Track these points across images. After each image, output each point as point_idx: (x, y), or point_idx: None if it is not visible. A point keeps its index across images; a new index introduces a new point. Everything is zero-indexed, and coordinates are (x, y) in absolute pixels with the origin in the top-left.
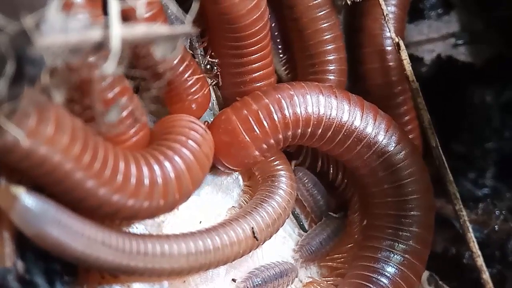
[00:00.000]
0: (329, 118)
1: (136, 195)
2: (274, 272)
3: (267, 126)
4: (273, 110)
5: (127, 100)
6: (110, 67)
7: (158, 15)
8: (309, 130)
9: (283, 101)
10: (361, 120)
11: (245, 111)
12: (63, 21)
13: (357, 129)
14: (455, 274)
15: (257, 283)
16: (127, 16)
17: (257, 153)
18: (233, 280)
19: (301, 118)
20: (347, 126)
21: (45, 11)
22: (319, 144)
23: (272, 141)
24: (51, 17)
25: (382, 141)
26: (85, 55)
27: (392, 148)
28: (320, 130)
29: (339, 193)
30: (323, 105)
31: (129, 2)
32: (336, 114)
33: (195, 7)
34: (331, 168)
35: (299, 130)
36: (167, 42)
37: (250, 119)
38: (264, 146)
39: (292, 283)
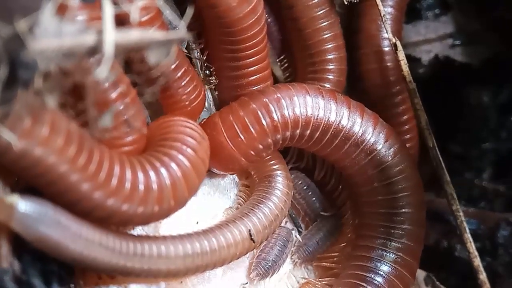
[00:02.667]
0: (317, 119)
1: (131, 200)
2: (279, 248)
3: (254, 132)
4: (260, 115)
5: (127, 103)
6: (103, 72)
7: (156, 18)
8: (298, 131)
9: (270, 105)
10: (348, 119)
11: (231, 118)
12: (57, 25)
13: (344, 128)
14: (446, 267)
15: (268, 266)
16: (124, 20)
17: (242, 159)
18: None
19: (289, 120)
20: (334, 126)
21: (39, 15)
22: (308, 145)
23: (260, 146)
24: (45, 21)
25: (370, 139)
26: (79, 59)
27: (381, 145)
28: (308, 131)
29: (330, 193)
30: (310, 106)
31: (123, 7)
32: (324, 114)
33: (189, 12)
34: (318, 167)
35: (288, 133)
36: (161, 48)
37: (235, 125)
38: (251, 152)
39: (293, 245)
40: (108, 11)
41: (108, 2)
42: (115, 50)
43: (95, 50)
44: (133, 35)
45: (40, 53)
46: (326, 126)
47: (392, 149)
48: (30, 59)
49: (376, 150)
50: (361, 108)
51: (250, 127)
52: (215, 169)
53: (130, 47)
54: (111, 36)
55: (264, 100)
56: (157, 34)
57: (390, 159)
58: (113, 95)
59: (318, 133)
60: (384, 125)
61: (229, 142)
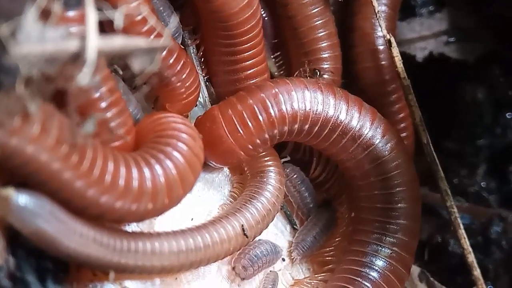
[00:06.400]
0: (315, 113)
1: (124, 197)
2: (264, 248)
3: (251, 127)
4: (257, 110)
5: (110, 102)
6: (85, 78)
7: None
8: (296, 126)
9: (267, 100)
10: (346, 113)
11: (230, 111)
12: (40, 30)
13: (342, 123)
14: (439, 262)
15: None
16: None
17: (241, 153)
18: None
19: (287, 115)
20: (333, 120)
21: (21, 20)
22: (306, 139)
23: (258, 141)
24: (28, 25)
25: (368, 133)
26: (61, 65)
27: (378, 140)
28: (307, 126)
29: (325, 185)
30: (309, 100)
31: (107, 13)
32: (323, 109)
33: (174, 20)
34: (315, 160)
35: (286, 127)
36: (145, 55)
37: (235, 119)
38: (250, 146)
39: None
40: (92, 17)
41: (92, 9)
42: (98, 56)
43: (78, 56)
44: (116, 41)
45: (22, 58)
46: (324, 121)
47: (389, 144)
48: (12, 64)
49: (373, 144)
50: (360, 102)
51: (248, 122)
52: (213, 162)
53: (114, 54)
54: (94, 43)
55: (261, 95)
56: (141, 42)
57: (387, 154)
58: (97, 95)
59: (316, 127)
60: (382, 120)
61: (229, 135)
